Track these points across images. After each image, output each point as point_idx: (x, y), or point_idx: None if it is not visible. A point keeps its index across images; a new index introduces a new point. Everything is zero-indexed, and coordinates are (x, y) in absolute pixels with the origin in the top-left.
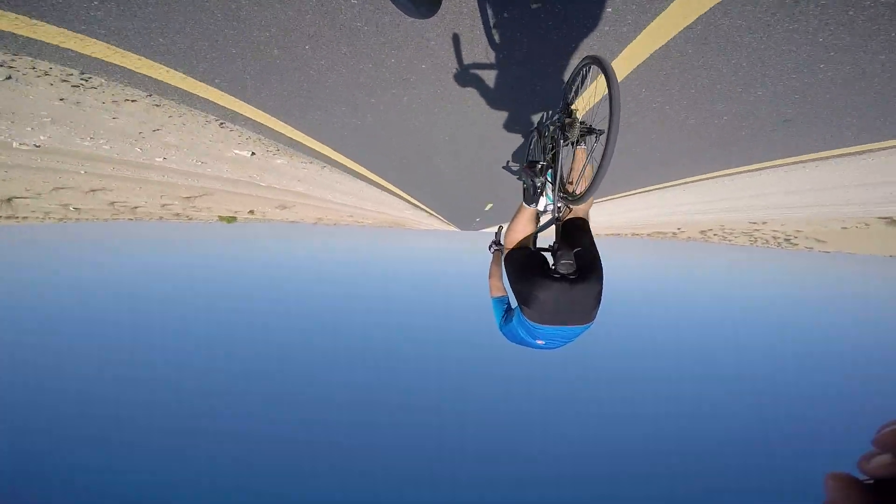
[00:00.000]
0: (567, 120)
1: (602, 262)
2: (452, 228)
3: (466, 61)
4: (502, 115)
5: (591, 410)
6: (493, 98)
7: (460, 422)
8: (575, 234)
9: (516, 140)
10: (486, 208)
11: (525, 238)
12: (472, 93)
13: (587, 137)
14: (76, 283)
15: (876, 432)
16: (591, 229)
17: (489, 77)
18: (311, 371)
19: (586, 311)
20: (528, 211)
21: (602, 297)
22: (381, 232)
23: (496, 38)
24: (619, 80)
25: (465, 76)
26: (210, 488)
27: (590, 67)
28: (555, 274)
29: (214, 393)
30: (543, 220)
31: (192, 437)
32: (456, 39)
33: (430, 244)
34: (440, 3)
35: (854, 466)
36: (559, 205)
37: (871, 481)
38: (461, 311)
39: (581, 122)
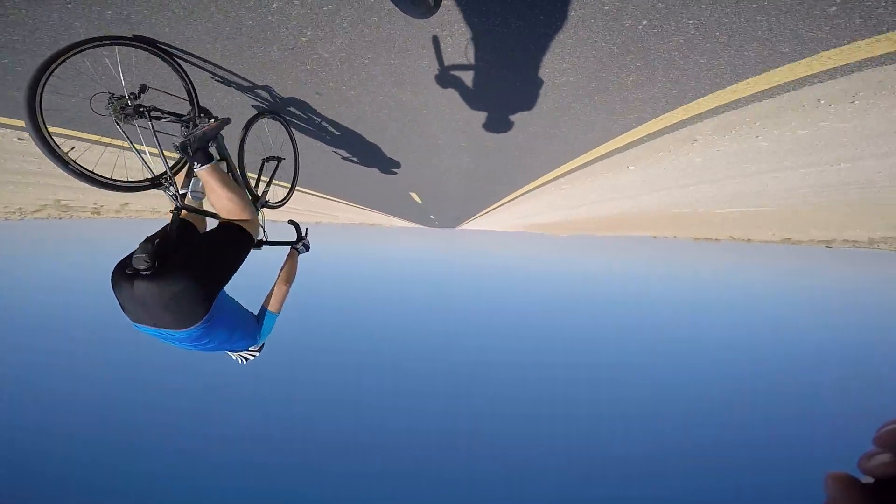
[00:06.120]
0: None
1: (211, 259)
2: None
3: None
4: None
5: (594, 412)
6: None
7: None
8: (189, 226)
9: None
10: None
11: None
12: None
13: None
14: None
15: (876, 431)
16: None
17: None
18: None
19: (173, 312)
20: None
21: (204, 298)
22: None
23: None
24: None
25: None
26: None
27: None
28: (128, 269)
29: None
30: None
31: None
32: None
33: None
34: (440, 3)
35: (854, 466)
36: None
37: (872, 481)
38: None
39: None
